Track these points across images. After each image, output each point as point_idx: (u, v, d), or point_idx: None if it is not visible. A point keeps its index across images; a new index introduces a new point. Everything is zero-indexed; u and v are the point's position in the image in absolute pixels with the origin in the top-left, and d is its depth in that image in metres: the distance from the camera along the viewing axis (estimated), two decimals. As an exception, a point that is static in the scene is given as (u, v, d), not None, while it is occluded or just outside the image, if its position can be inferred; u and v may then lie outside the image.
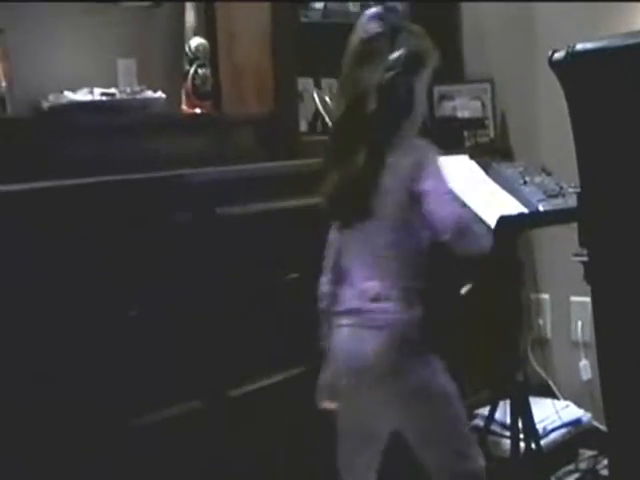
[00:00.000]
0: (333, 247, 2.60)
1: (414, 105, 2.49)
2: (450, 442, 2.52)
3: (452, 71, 4.14)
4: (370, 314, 2.48)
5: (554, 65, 2.26)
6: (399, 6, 2.52)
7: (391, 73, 2.42)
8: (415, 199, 2.43)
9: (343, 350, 2.51)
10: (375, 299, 2.48)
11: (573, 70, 2.24)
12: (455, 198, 2.45)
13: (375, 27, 2.47)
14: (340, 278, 2.57)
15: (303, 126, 3.73)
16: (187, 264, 2.80)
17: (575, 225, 2.75)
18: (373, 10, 2.51)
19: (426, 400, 2.48)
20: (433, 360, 2.50)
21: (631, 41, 2.22)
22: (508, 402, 2.92)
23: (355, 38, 2.50)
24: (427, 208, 2.42)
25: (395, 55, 2.44)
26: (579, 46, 2.20)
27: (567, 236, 2.84)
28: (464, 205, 2.55)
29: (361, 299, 2.50)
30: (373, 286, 2.49)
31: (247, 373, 2.97)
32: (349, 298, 2.53)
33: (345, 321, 2.52)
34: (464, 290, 3.46)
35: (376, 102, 2.41)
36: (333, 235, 2.60)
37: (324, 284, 2.60)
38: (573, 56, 2.19)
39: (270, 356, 3.02)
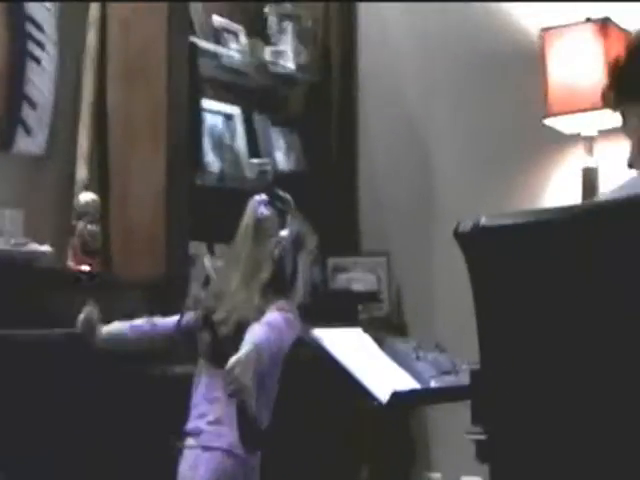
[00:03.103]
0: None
1: (297, 277, 2.88)
2: None
3: (347, 243, 4.14)
4: (208, 435, 2.73)
5: (459, 236, 2.26)
6: (286, 194, 2.94)
7: (279, 250, 2.84)
8: None
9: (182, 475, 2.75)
10: (213, 422, 2.74)
11: (478, 243, 2.24)
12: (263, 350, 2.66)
13: (265, 210, 2.89)
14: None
15: (194, 290, 3.64)
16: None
17: (468, 403, 2.70)
18: (263, 197, 2.92)
19: None
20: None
21: (537, 218, 2.24)
22: None
23: (249, 220, 2.90)
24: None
25: (282, 235, 2.87)
26: (484, 220, 2.22)
27: (459, 413, 2.79)
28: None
29: (200, 420, 2.75)
30: (214, 409, 2.75)
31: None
32: (193, 417, 2.78)
33: (188, 442, 2.76)
34: None
35: (268, 273, 2.82)
36: None
37: None
38: (479, 229, 2.20)
39: None
